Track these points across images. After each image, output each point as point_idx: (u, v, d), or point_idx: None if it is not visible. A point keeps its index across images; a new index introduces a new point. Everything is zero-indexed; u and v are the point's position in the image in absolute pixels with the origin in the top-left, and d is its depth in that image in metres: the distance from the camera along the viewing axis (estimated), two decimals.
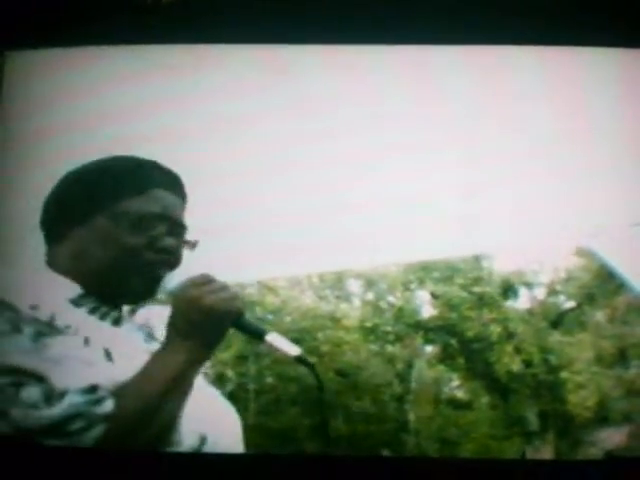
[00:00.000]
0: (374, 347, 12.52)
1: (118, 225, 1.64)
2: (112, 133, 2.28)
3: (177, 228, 1.67)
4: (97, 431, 1.41)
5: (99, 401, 1.43)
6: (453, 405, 12.94)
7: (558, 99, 2.31)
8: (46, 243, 1.70)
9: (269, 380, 12.15)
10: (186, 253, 1.71)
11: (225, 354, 12.51)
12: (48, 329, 1.52)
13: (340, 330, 12.35)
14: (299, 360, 1.54)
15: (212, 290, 1.54)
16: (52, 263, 1.67)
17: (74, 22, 2.11)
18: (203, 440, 1.56)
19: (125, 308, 1.67)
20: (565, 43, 2.01)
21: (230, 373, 12.20)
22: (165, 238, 1.64)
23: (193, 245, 1.69)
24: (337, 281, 13.23)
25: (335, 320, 12.43)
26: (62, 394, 1.41)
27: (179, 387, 1.50)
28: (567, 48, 2.06)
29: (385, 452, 11.82)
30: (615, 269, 2.98)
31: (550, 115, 2.34)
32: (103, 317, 1.64)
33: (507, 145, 2.48)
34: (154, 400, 1.46)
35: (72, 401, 1.42)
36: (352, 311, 12.83)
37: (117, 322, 1.65)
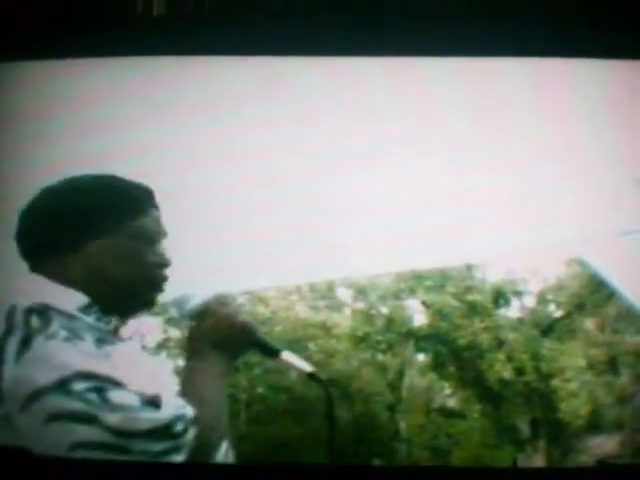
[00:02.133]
0: (365, 356, 12.52)
1: (138, 243, 1.70)
2: (102, 144, 2.29)
3: (163, 241, 1.73)
4: (192, 433, 1.47)
5: (186, 405, 1.49)
6: (444, 414, 12.94)
7: (548, 109, 2.32)
8: (41, 254, 1.71)
9: (260, 390, 12.13)
10: (178, 264, 1.73)
11: None
12: (109, 336, 1.55)
13: (331, 339, 12.35)
14: (312, 377, 1.61)
15: (235, 310, 1.64)
16: (57, 273, 1.68)
17: (63, 34, 2.11)
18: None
19: (115, 319, 1.69)
20: (555, 54, 2.03)
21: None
22: (164, 254, 1.71)
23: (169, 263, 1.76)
24: (328, 290, 13.23)
25: (326, 329, 12.44)
26: (156, 399, 1.45)
27: (222, 394, 1.58)
28: (558, 59, 2.08)
29: (376, 461, 11.81)
30: (606, 278, 2.99)
31: (540, 125, 2.36)
32: (106, 326, 1.67)
33: (498, 155, 2.49)
34: (216, 406, 1.54)
35: (174, 404, 1.47)
36: (343, 320, 12.83)
37: (115, 331, 1.69)
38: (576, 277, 12.01)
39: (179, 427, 1.49)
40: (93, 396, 1.46)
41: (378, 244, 2.84)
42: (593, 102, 2.29)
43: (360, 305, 13.14)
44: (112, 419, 1.45)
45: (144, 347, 1.90)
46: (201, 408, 1.51)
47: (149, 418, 1.46)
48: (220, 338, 1.57)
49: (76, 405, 1.44)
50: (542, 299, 12.86)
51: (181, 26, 2.14)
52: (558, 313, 12.78)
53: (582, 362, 11.26)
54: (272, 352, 1.60)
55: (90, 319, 1.66)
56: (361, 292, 12.96)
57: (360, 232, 2.75)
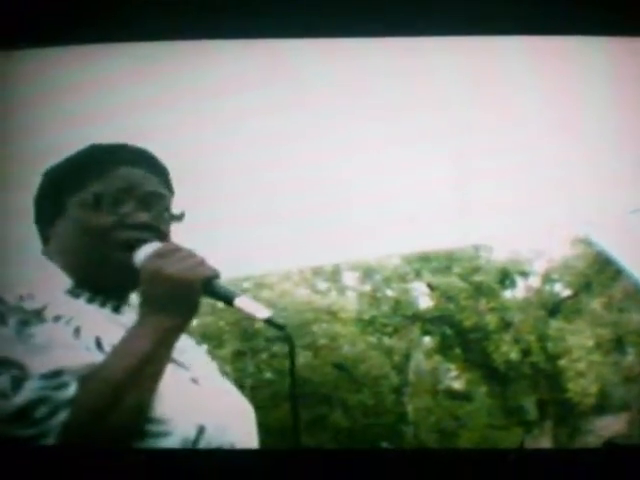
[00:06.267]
0: (372, 339, 12.52)
1: (84, 210, 1.57)
2: (105, 131, 2.26)
3: (151, 200, 1.58)
4: (62, 416, 1.35)
5: (61, 386, 1.37)
6: (451, 396, 12.96)
7: (553, 88, 2.29)
8: (42, 238, 1.68)
9: (267, 375, 12.13)
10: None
11: (222, 351, 12.50)
12: (34, 318, 1.47)
13: (337, 323, 12.37)
14: (269, 323, 1.45)
15: (175, 259, 1.45)
16: (49, 257, 1.63)
17: (63, 21, 2.08)
18: (201, 430, 1.50)
19: (133, 296, 1.63)
20: (556, 32, 2.00)
21: (228, 369, 12.19)
22: (136, 214, 1.55)
23: (179, 218, 1.62)
24: (333, 274, 13.23)
25: (332, 313, 12.46)
26: (19, 382, 1.36)
27: (149, 365, 1.42)
28: (558, 37, 2.05)
29: (384, 444, 11.84)
30: (612, 257, 2.97)
31: (544, 104, 2.33)
32: (103, 305, 1.59)
33: (504, 135, 2.47)
34: (119, 381, 1.38)
35: (32, 387, 1.36)
36: (349, 304, 12.83)
37: (117, 309, 1.59)
38: (582, 257, 12.00)
39: (41, 411, 1.37)
40: None
41: (384, 227, 2.82)
42: (597, 80, 2.26)
43: (366, 288, 13.14)
44: None
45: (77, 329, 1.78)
46: (124, 385, 1.36)
47: (10, 404, 1.39)
48: (158, 296, 1.42)
49: None
50: (548, 279, 12.85)
51: (180, 10, 2.11)
52: (564, 293, 12.77)
53: (589, 342, 11.26)
54: (226, 299, 1.47)
55: (82, 300, 1.60)
56: (367, 275, 12.96)
57: (366, 215, 2.73)
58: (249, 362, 11.89)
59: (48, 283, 1.56)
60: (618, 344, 11.44)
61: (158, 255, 1.47)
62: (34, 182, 1.75)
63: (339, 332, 12.41)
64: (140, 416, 1.41)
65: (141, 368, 1.42)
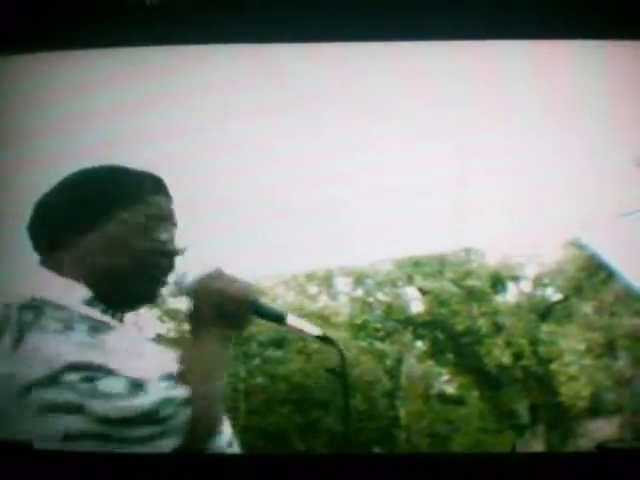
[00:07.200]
0: (363, 344, 12.53)
1: (129, 231, 1.71)
2: (100, 134, 2.28)
3: (172, 228, 1.74)
4: (183, 416, 1.47)
5: (173, 387, 1.49)
6: (443, 400, 12.96)
7: (547, 93, 2.31)
8: (46, 248, 1.72)
9: (259, 380, 12.14)
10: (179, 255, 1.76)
11: None
12: (100, 324, 1.57)
13: (329, 328, 12.35)
14: (322, 339, 1.62)
15: (228, 281, 1.65)
16: (56, 267, 1.69)
17: (57, 26, 2.10)
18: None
19: (118, 311, 1.71)
20: (554, 37, 2.02)
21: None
22: (169, 243, 1.73)
23: (182, 252, 1.75)
24: (326, 279, 13.24)
25: (324, 318, 12.44)
26: (142, 383, 1.47)
27: (218, 370, 1.60)
28: (556, 41, 2.07)
29: (377, 449, 11.83)
30: (604, 260, 2.98)
31: (538, 109, 2.35)
32: (113, 317, 1.70)
33: (497, 140, 2.49)
34: (212, 385, 1.55)
35: (156, 387, 1.47)
36: (341, 308, 12.85)
37: (121, 321, 1.72)
38: (573, 260, 12.02)
39: (166, 411, 1.45)
40: (84, 386, 1.45)
41: (376, 232, 2.84)
42: (592, 83, 2.28)
43: (358, 293, 13.15)
44: (99, 408, 1.44)
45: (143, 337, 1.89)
46: (199, 388, 1.49)
47: (134, 404, 1.45)
48: (215, 313, 1.57)
49: (68, 396, 1.43)
50: (539, 283, 12.87)
51: (172, 15, 2.12)
52: (556, 297, 12.80)
53: (581, 346, 11.28)
54: (277, 318, 1.60)
55: (96, 311, 1.66)
56: (359, 280, 12.97)
57: (358, 220, 2.75)
58: (241, 367, 11.88)
59: (69, 293, 1.61)
60: (609, 348, 11.46)
61: (211, 277, 1.64)
62: (35, 184, 1.77)
63: (331, 336, 12.32)
64: (218, 420, 1.54)
65: (214, 373, 1.55)
